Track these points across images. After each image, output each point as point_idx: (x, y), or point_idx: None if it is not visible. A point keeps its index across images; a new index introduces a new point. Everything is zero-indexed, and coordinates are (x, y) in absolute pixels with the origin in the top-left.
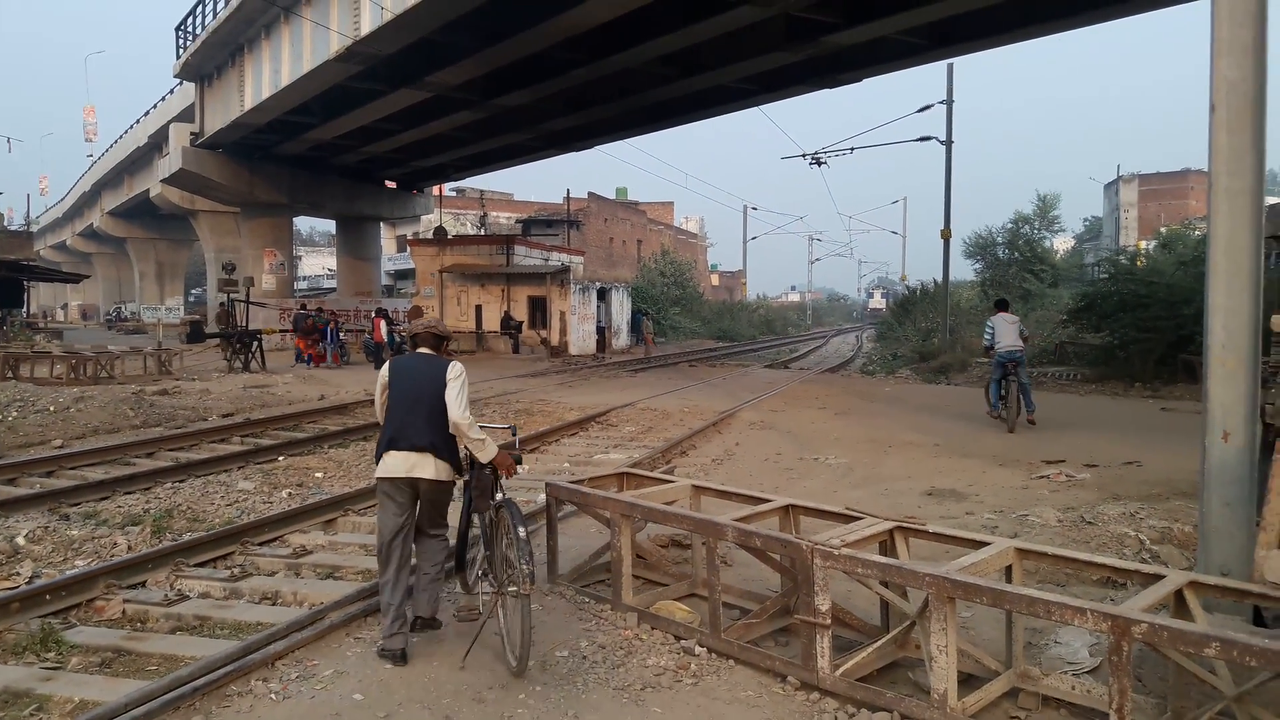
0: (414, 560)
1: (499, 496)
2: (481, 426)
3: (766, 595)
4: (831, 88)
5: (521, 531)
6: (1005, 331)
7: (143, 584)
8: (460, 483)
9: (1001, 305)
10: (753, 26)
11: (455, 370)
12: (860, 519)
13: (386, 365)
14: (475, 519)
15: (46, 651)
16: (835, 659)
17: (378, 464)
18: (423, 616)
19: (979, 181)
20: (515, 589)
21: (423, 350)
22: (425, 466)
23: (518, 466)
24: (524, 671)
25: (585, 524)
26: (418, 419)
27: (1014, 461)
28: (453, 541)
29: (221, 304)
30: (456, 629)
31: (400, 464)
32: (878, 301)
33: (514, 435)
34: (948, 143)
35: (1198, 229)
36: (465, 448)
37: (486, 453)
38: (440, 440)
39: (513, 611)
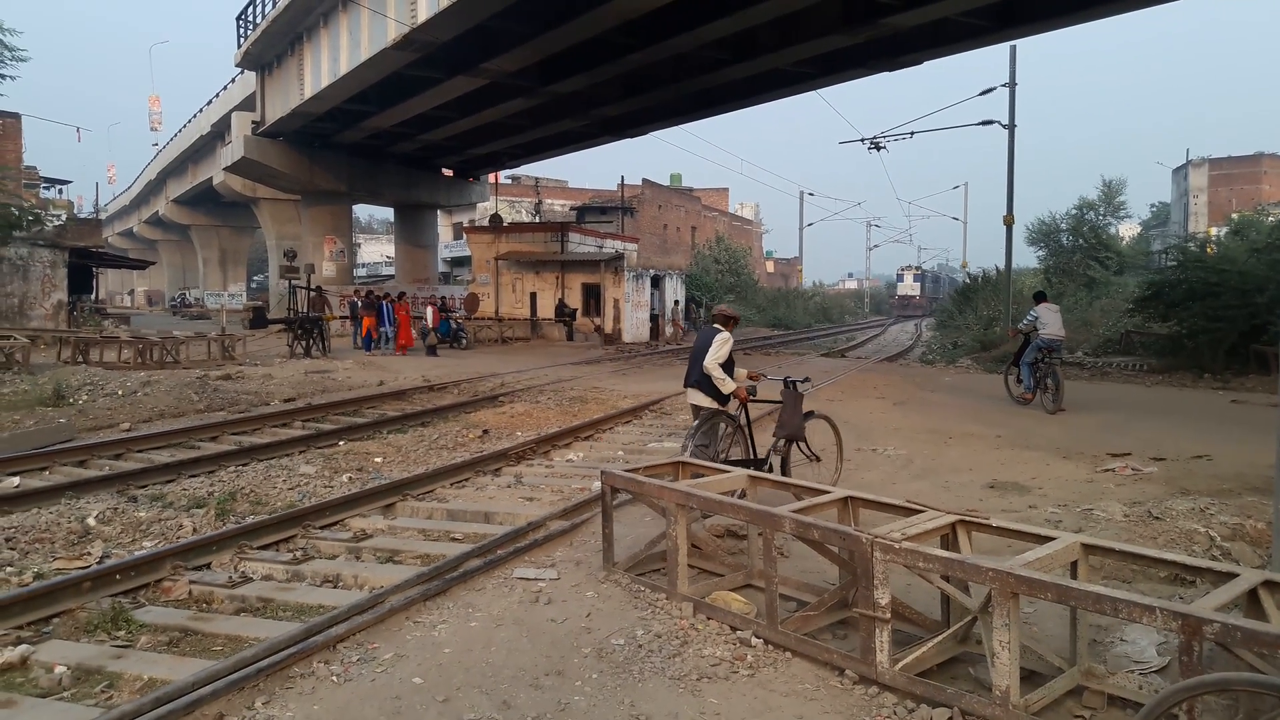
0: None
1: (735, 413)
2: (770, 376)
3: (824, 587)
4: (891, 71)
5: (722, 429)
6: (1051, 319)
7: (208, 566)
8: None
9: (1040, 297)
10: (809, 9)
11: (721, 337)
12: (921, 512)
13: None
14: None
15: (117, 630)
16: (894, 653)
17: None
18: None
19: (1042, 166)
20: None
21: (715, 325)
22: (694, 396)
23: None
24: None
25: (640, 512)
26: (693, 366)
27: (1078, 454)
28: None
29: (318, 289)
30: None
31: (689, 395)
32: (909, 286)
33: (807, 383)
34: (1010, 126)
35: (1272, 214)
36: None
37: (726, 387)
38: (703, 379)
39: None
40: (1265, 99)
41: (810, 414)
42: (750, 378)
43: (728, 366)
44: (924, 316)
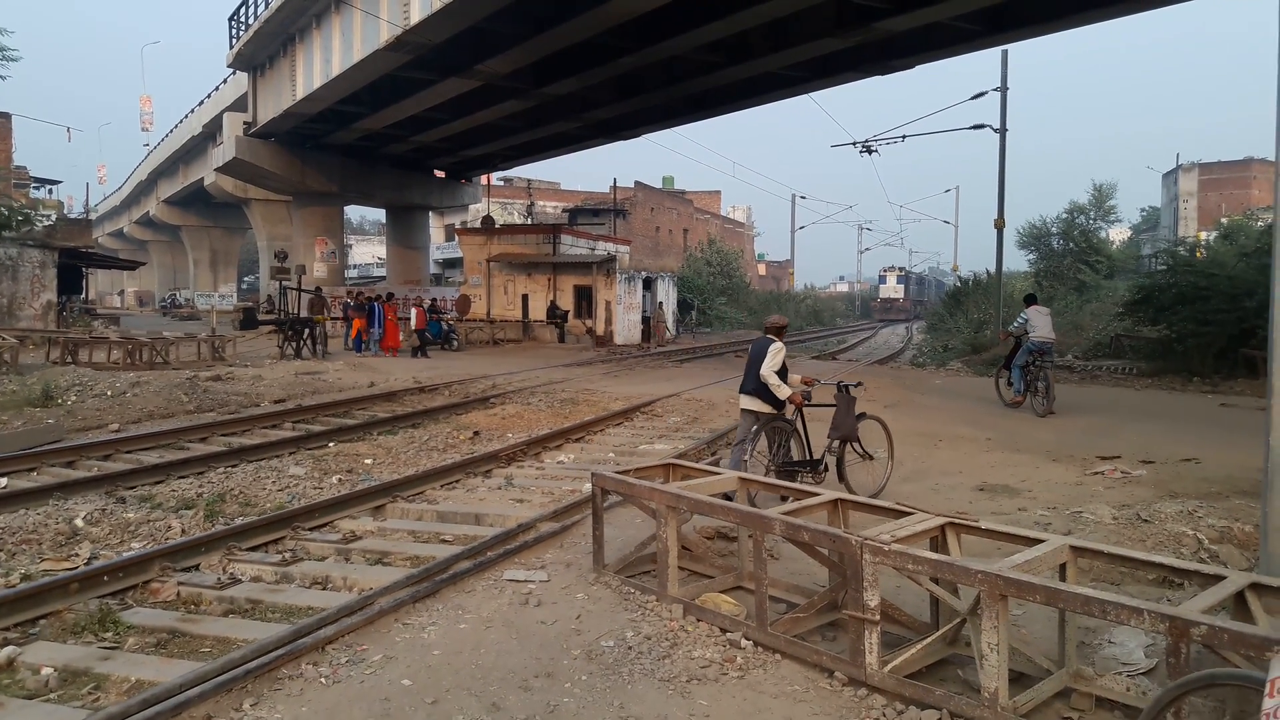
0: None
1: (791, 418)
2: (823, 381)
3: (813, 589)
4: (883, 74)
5: (774, 439)
6: (1041, 322)
7: (196, 567)
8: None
9: (1031, 300)
10: (802, 12)
11: (775, 347)
12: (910, 514)
13: (752, 344)
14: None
15: (104, 631)
16: (883, 655)
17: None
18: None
19: (1033, 170)
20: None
21: (769, 335)
22: (750, 402)
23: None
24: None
25: (630, 514)
26: (749, 374)
27: (1068, 457)
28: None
29: (316, 291)
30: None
31: (743, 400)
32: (892, 289)
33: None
34: (1001, 130)
35: (1261, 219)
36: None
37: (782, 393)
38: (759, 387)
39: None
40: (1254, 105)
41: (863, 415)
42: (804, 383)
43: (782, 373)
44: (908, 320)
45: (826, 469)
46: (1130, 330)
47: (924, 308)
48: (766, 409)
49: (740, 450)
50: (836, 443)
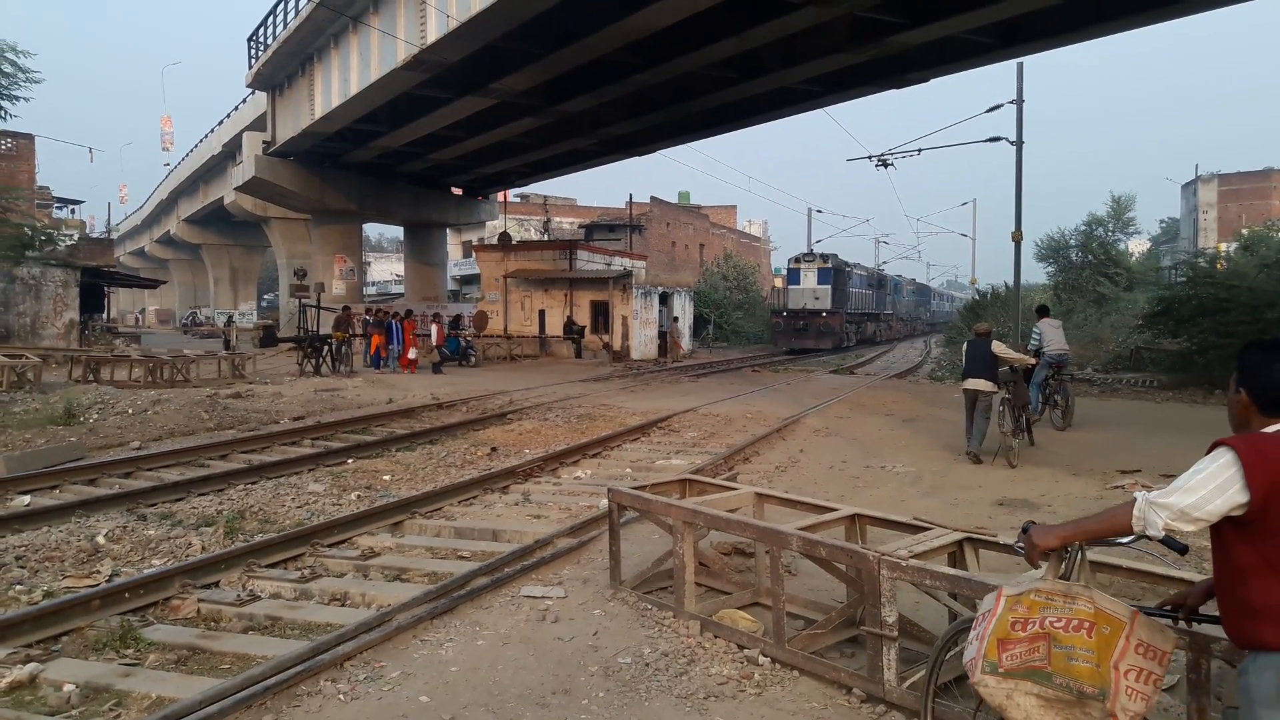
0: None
1: (1004, 395)
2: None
3: (831, 605)
4: (898, 88)
5: (996, 404)
6: (1054, 336)
7: (216, 584)
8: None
9: (1044, 311)
10: (815, 28)
11: (996, 344)
12: (928, 529)
13: (966, 344)
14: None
15: (125, 648)
16: (902, 671)
17: (963, 382)
18: (971, 451)
19: (1051, 180)
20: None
21: (981, 338)
22: (978, 384)
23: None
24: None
25: (647, 530)
26: (975, 365)
27: (1087, 471)
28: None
29: (345, 309)
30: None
31: (969, 383)
32: (808, 293)
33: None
34: (1018, 143)
35: None
36: (1009, 368)
37: (1025, 363)
38: (983, 373)
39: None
40: (1275, 114)
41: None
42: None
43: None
44: (840, 348)
45: (1027, 427)
46: (1150, 343)
47: (884, 324)
48: (989, 388)
49: (984, 424)
50: (1019, 409)
